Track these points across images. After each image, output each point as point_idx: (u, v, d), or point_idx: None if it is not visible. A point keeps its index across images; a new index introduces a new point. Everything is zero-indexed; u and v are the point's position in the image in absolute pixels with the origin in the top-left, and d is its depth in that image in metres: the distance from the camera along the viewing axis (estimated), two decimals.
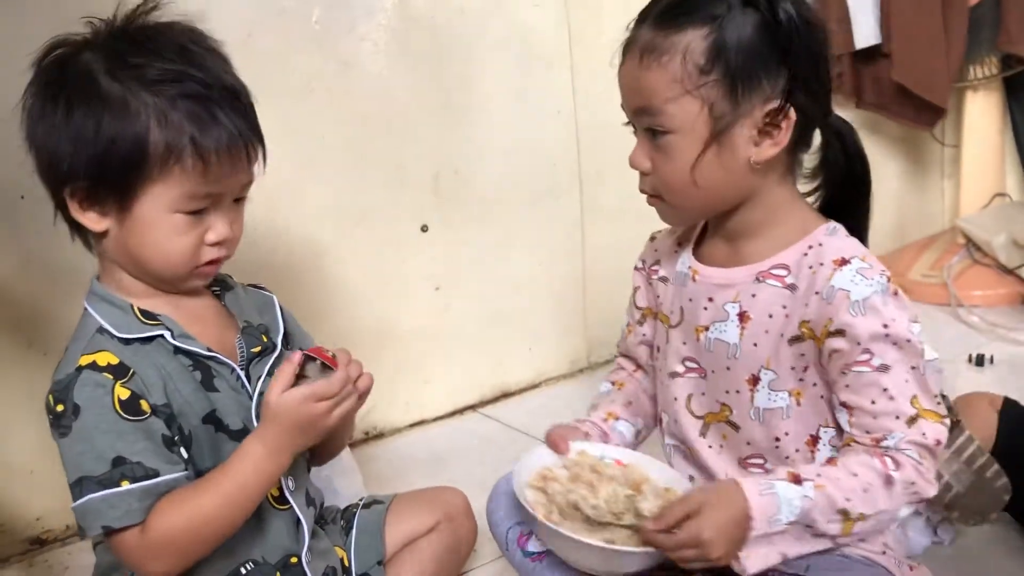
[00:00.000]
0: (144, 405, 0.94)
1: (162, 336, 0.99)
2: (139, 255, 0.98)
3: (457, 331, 1.98)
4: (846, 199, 1.06)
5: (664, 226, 1.16)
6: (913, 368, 0.96)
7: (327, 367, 0.99)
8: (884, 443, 0.96)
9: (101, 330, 0.98)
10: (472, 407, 2.03)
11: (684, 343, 1.10)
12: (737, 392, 1.05)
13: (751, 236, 1.04)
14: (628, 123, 1.06)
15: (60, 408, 0.93)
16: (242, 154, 0.98)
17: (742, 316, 1.03)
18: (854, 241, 1.01)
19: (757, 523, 0.91)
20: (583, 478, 1.08)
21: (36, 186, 1.45)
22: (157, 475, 0.92)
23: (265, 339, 1.09)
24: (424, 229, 1.89)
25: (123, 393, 0.93)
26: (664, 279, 1.15)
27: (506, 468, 1.17)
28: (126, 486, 0.91)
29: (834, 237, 1.01)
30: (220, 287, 1.11)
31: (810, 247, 1.00)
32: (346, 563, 1.13)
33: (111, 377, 0.94)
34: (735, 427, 1.06)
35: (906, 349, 0.95)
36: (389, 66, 1.81)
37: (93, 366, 0.94)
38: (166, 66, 0.94)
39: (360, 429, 1.89)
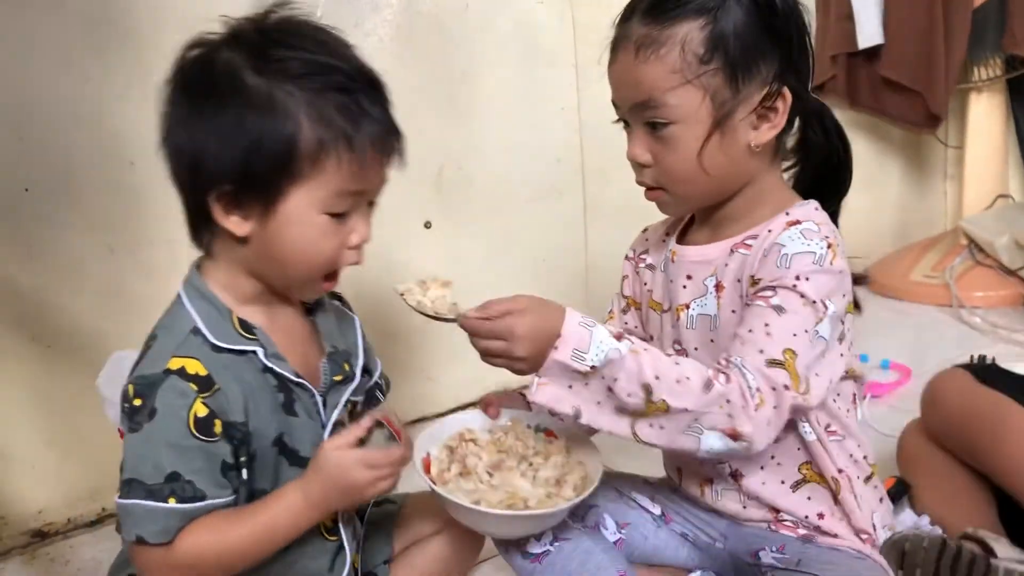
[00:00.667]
0: (217, 426, 0.92)
1: (254, 352, 0.97)
2: (281, 258, 0.95)
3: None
4: (826, 177, 1.08)
5: (661, 218, 1.16)
6: (807, 332, 0.94)
7: (391, 438, 0.98)
8: (730, 362, 0.94)
9: (196, 331, 0.95)
10: (475, 404, 1.99)
11: (672, 327, 1.11)
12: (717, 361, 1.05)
13: (736, 218, 1.05)
14: (620, 120, 1.07)
15: (138, 403, 0.91)
16: (391, 147, 0.96)
17: (718, 287, 1.04)
18: (820, 214, 1.02)
19: (562, 345, 0.91)
20: (503, 444, 1.10)
21: (39, 179, 1.48)
22: (204, 499, 0.91)
23: (347, 367, 1.07)
24: (427, 226, 1.90)
25: (201, 410, 0.91)
26: (651, 266, 1.17)
27: None
28: (172, 504, 0.89)
29: (802, 208, 1.02)
30: (314, 304, 1.09)
31: (776, 217, 1.02)
32: (356, 564, 1.13)
33: (195, 389, 0.91)
34: None
35: (810, 310, 0.94)
36: (393, 62, 1.81)
37: (182, 373, 0.91)
38: (310, 57, 0.91)
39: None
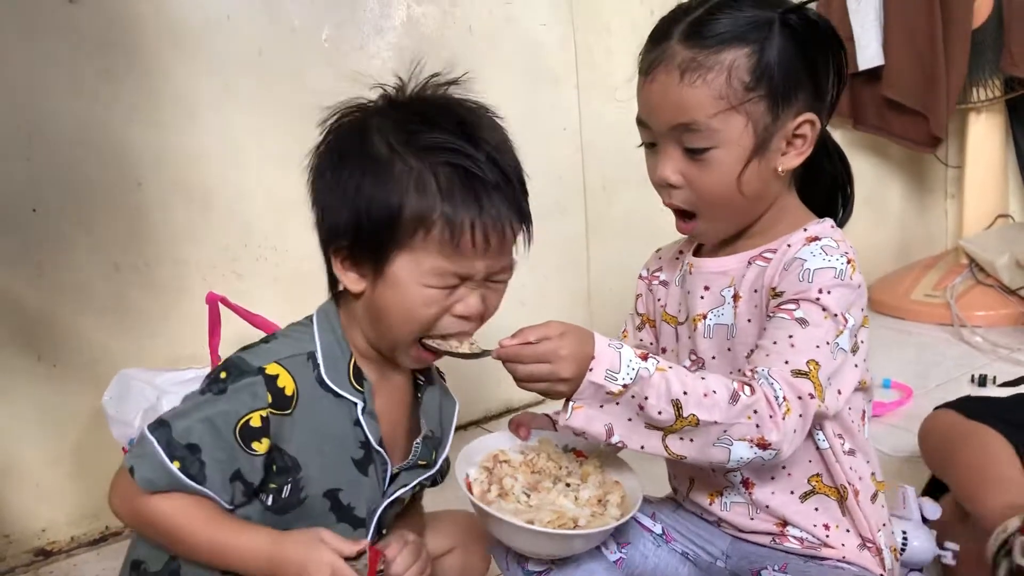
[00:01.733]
0: (263, 444, 0.93)
1: (355, 403, 0.98)
2: (384, 315, 0.96)
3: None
4: (828, 201, 1.09)
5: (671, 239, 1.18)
6: (828, 343, 0.95)
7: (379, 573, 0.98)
8: (756, 373, 0.94)
9: (310, 356, 0.97)
10: (476, 423, 2.04)
11: (689, 337, 1.12)
12: (740, 371, 1.05)
13: (754, 235, 1.07)
14: (644, 143, 1.06)
15: (223, 376, 0.94)
16: (501, 239, 0.93)
17: (735, 297, 1.05)
18: (837, 231, 1.04)
19: (596, 366, 0.92)
20: (536, 465, 1.11)
21: (48, 199, 1.49)
22: (202, 484, 0.92)
23: (434, 455, 1.09)
24: None
25: (255, 421, 0.92)
26: (665, 283, 1.17)
27: None
28: (174, 466, 0.91)
29: (820, 225, 1.04)
30: (425, 379, 1.09)
31: (794, 233, 1.03)
32: None
33: (269, 400, 0.93)
34: None
35: (831, 323, 0.96)
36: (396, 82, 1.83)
37: (272, 380, 0.93)
38: (440, 135, 0.92)
39: None
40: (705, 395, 0.92)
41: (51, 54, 1.48)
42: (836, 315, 0.95)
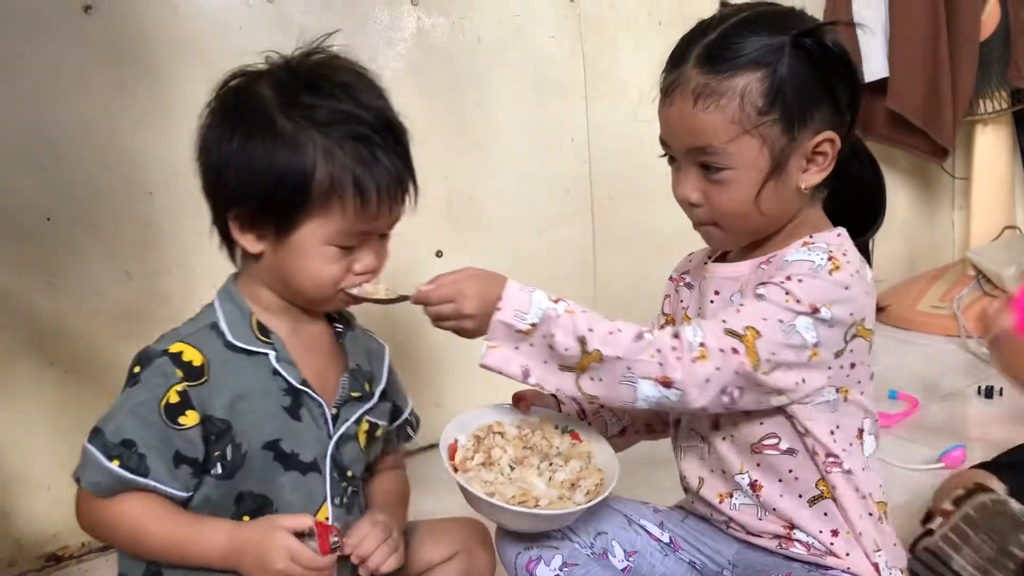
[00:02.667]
0: (189, 416, 0.97)
1: (267, 355, 1.03)
2: (289, 279, 1.02)
3: (470, 355, 1.92)
4: (860, 209, 1.10)
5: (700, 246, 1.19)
6: (781, 321, 0.96)
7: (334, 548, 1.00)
8: (692, 321, 0.99)
9: (213, 326, 1.02)
10: None
11: None
12: None
13: (772, 243, 1.08)
14: (666, 155, 1.08)
15: (136, 370, 0.99)
16: (398, 194, 1.02)
17: None
18: (837, 238, 1.04)
19: (505, 306, 0.97)
20: (529, 440, 1.14)
21: (62, 207, 1.51)
22: (146, 475, 0.96)
23: (367, 387, 1.13)
24: (439, 255, 1.92)
25: (173, 397, 0.96)
26: (689, 285, 1.19)
27: None
28: (114, 465, 0.95)
29: (824, 234, 1.05)
30: (343, 324, 1.14)
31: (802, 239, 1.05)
32: None
33: (180, 375, 0.97)
34: (746, 412, 1.06)
35: (791, 305, 0.96)
36: (406, 95, 1.78)
37: (176, 357, 0.98)
38: (335, 106, 0.98)
39: None
40: (610, 332, 0.96)
41: (65, 64, 1.49)
42: (799, 300, 0.96)
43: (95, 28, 1.51)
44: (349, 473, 1.10)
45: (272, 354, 1.03)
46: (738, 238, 1.09)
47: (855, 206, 1.10)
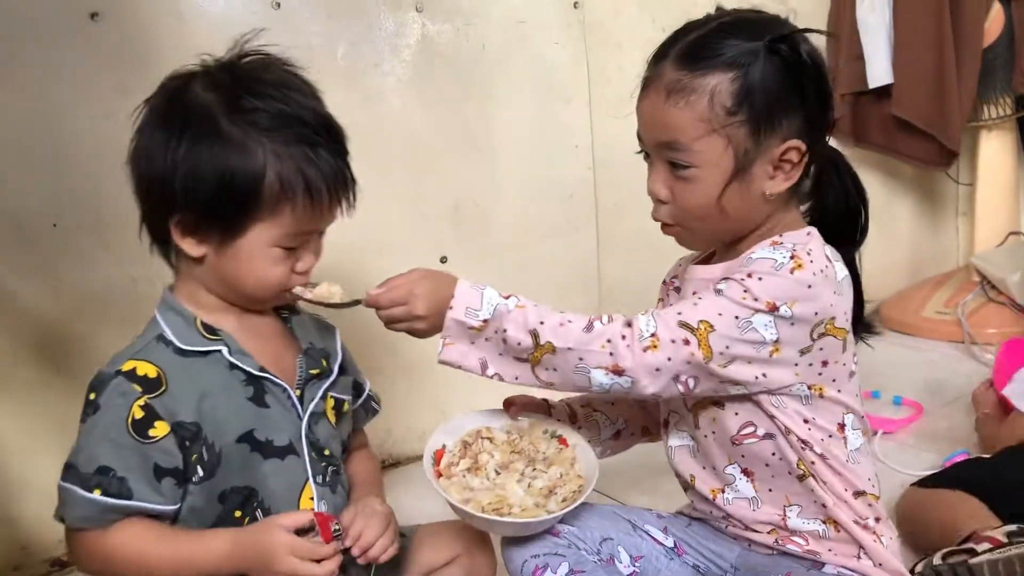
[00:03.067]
0: (158, 428, 0.97)
1: (220, 351, 1.03)
2: (234, 281, 1.04)
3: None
4: (842, 224, 1.10)
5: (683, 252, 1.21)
6: (736, 317, 0.97)
7: (336, 536, 1.03)
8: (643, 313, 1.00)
9: (160, 338, 1.02)
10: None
11: None
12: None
13: (743, 247, 1.08)
14: (642, 151, 1.10)
15: (92, 397, 0.99)
16: (342, 193, 1.04)
17: None
18: (805, 238, 1.04)
19: (456, 304, 1.00)
20: (517, 445, 1.16)
21: (68, 215, 1.51)
22: (130, 497, 0.96)
23: (324, 363, 1.14)
24: (443, 260, 1.92)
25: (138, 412, 0.96)
26: (677, 288, 1.21)
27: None
28: (96, 495, 0.95)
29: (795, 233, 1.05)
30: (288, 311, 1.16)
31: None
32: None
33: (139, 390, 0.97)
34: (720, 405, 1.08)
35: (748, 302, 0.97)
36: (411, 101, 1.85)
37: (131, 374, 0.98)
38: (277, 108, 0.99)
39: (379, 458, 1.89)
40: (561, 324, 0.98)
41: (71, 70, 1.50)
42: (757, 298, 0.97)
43: (101, 35, 1.52)
44: (326, 452, 1.11)
45: (224, 349, 1.04)
46: (703, 239, 1.11)
47: (838, 220, 1.11)
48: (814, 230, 1.07)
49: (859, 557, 1.07)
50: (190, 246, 1.01)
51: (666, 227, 1.10)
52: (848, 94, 2.45)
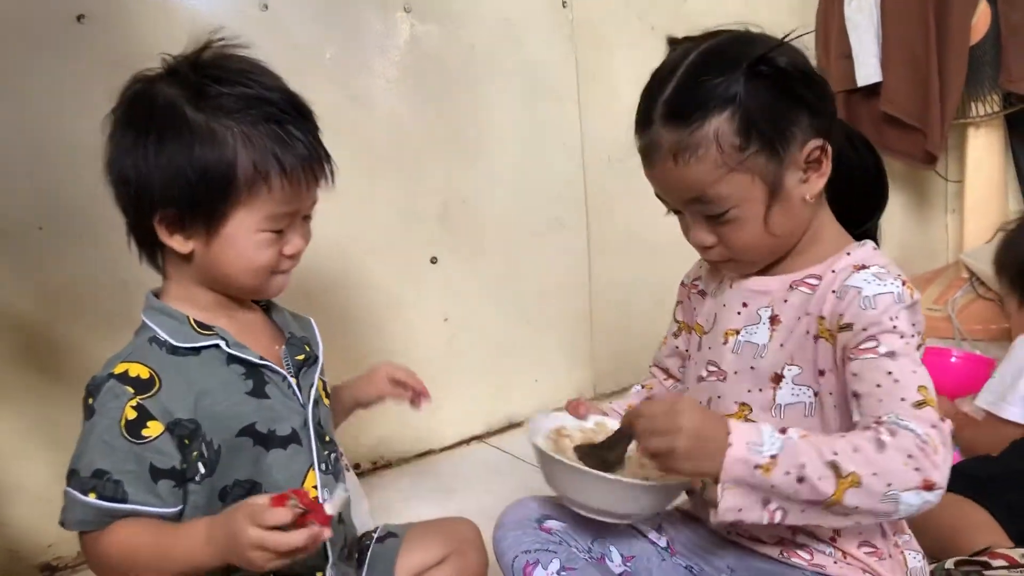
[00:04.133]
0: (151, 428, 0.96)
1: (217, 346, 1.03)
2: (225, 272, 1.03)
3: (465, 362, 2.00)
4: (864, 194, 1.10)
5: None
6: (920, 364, 0.95)
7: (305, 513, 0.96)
8: (884, 421, 0.92)
9: (153, 340, 1.02)
10: (479, 437, 2.05)
11: (710, 347, 1.13)
12: (760, 390, 1.06)
13: (794, 255, 1.08)
14: (670, 211, 1.08)
15: (89, 401, 0.99)
16: (318, 170, 1.03)
17: (773, 319, 1.07)
18: (879, 254, 1.05)
19: (735, 439, 0.90)
20: (594, 441, 1.13)
21: (53, 217, 1.50)
22: (125, 501, 0.95)
23: (308, 348, 1.13)
24: (433, 261, 1.91)
25: (131, 414, 0.96)
26: (702, 292, 1.19)
27: (512, 497, 1.19)
28: (91, 498, 0.95)
29: (861, 250, 1.05)
30: (267, 306, 1.16)
31: (838, 259, 1.04)
32: None
33: (131, 391, 0.96)
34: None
35: (912, 345, 0.96)
36: (400, 101, 1.85)
37: (123, 376, 0.97)
38: (242, 92, 0.99)
39: (368, 459, 1.90)
40: (855, 450, 0.89)
41: (57, 72, 1.49)
42: (913, 335, 0.96)
43: (88, 37, 1.51)
44: (327, 438, 1.11)
45: (222, 343, 1.03)
46: (760, 264, 1.09)
47: (858, 192, 1.10)
48: (870, 243, 1.06)
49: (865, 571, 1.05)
50: (178, 243, 1.01)
51: (720, 263, 1.10)
52: (838, 92, 2.45)
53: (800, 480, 0.89)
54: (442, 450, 1.99)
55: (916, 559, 1.08)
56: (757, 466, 0.89)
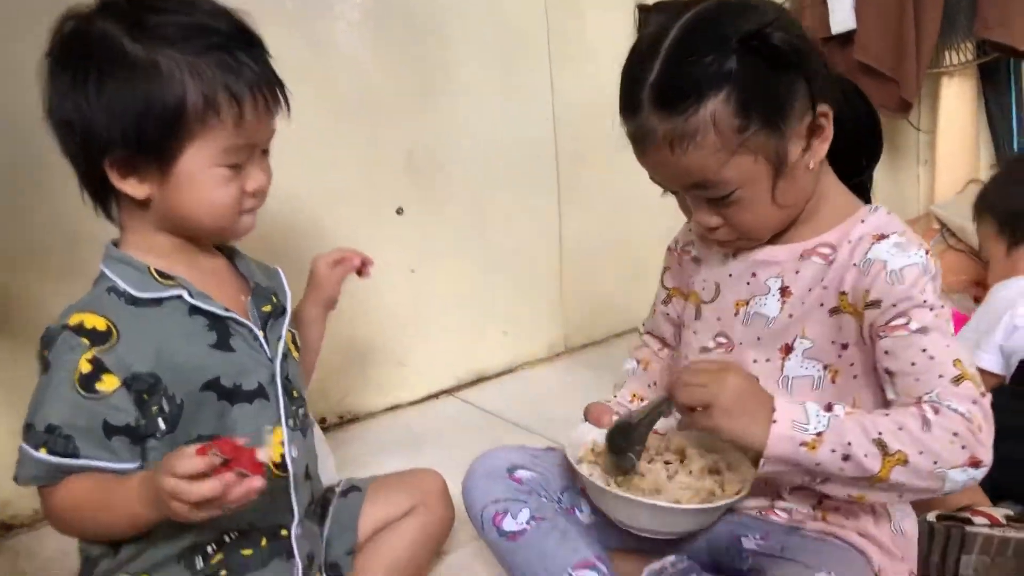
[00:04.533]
0: (106, 382, 0.92)
1: (179, 297, 0.99)
2: (186, 212, 0.98)
3: (432, 314, 1.97)
4: (859, 144, 1.08)
5: None
6: (951, 335, 0.95)
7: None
8: (926, 400, 0.92)
9: (111, 290, 0.97)
10: (448, 391, 2.03)
11: (718, 318, 1.10)
12: (767, 361, 1.05)
13: (801, 222, 1.05)
14: (669, 191, 1.05)
15: (44, 354, 0.95)
16: (271, 98, 0.98)
17: (784, 291, 1.04)
18: (894, 218, 1.02)
19: (780, 416, 0.91)
20: None
21: (1, 174, 1.43)
22: (76, 456, 0.92)
23: (275, 299, 1.10)
24: (399, 211, 1.87)
25: (85, 367, 0.92)
26: (696, 259, 1.16)
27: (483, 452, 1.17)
28: (41, 453, 0.92)
29: (875, 215, 1.02)
30: (231, 253, 1.12)
31: (852, 226, 1.01)
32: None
33: (87, 343, 0.93)
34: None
35: (941, 315, 0.95)
36: (363, 46, 1.79)
37: (78, 327, 0.93)
38: (185, 20, 0.93)
39: (335, 413, 1.87)
40: (900, 428, 0.90)
41: (16, 34, 1.42)
42: (942, 306, 0.95)
43: None
44: (295, 393, 1.08)
45: (183, 293, 0.99)
46: (767, 235, 1.06)
47: (851, 144, 1.06)
48: (882, 208, 1.04)
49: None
50: (132, 187, 0.96)
51: (727, 243, 1.06)
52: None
53: (846, 458, 0.90)
54: (410, 404, 1.96)
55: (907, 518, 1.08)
56: (802, 443, 0.91)
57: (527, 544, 1.07)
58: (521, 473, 1.13)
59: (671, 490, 1.06)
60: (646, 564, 1.11)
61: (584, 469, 1.09)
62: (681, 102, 0.92)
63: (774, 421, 0.91)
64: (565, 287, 2.18)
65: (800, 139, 0.97)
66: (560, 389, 2.00)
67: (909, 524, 1.07)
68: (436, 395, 2.01)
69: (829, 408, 0.94)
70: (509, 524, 1.09)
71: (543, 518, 1.09)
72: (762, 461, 0.93)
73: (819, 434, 0.91)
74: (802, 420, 0.91)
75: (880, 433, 0.90)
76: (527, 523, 1.08)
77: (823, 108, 0.97)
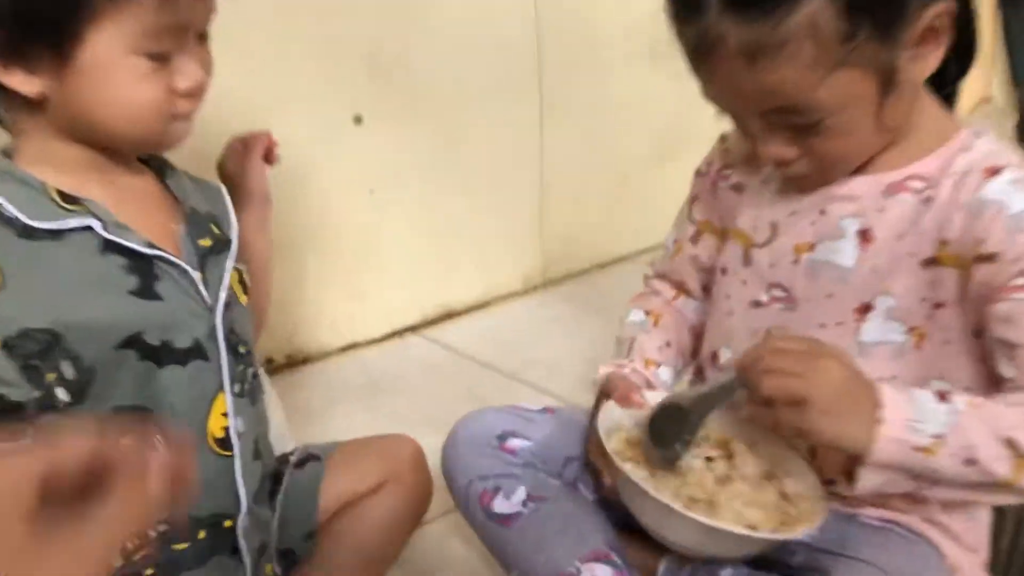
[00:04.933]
0: None
1: (89, 228, 0.82)
2: (95, 117, 0.82)
3: (395, 241, 1.87)
4: (956, 47, 0.88)
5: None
6: None
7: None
8: None
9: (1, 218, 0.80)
10: (413, 328, 1.94)
11: (772, 265, 0.95)
12: (838, 324, 0.90)
13: (894, 151, 0.88)
14: (728, 114, 0.88)
15: None
16: None
17: (863, 234, 0.88)
18: (1006, 147, 0.87)
19: (890, 414, 0.77)
20: None
21: None
22: None
23: (215, 230, 0.93)
24: (358, 120, 1.73)
25: None
26: (739, 187, 0.99)
27: (454, 400, 1.11)
28: None
29: (982, 141, 0.86)
30: (159, 162, 0.95)
31: (954, 156, 0.85)
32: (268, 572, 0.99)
33: None
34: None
35: None
36: None
37: None
38: None
39: (282, 352, 1.76)
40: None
41: None
42: None
43: None
44: (242, 349, 0.92)
45: (95, 224, 0.81)
46: (847, 171, 0.90)
47: (959, 47, 0.88)
48: (984, 130, 0.87)
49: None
50: (20, 82, 0.79)
51: (799, 179, 0.90)
52: None
53: (969, 462, 0.78)
54: (369, 343, 1.86)
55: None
56: (917, 448, 0.78)
57: (523, 530, 0.96)
58: (514, 442, 1.01)
59: (728, 504, 0.88)
60: (661, 550, 0.96)
61: (629, 469, 0.91)
62: (767, 4, 0.77)
63: (881, 420, 0.78)
64: (545, 211, 2.10)
65: (912, 46, 0.81)
66: (537, 326, 1.93)
67: (983, 509, 0.95)
68: (399, 333, 1.92)
69: (943, 397, 0.80)
70: (501, 505, 0.97)
71: (543, 498, 0.97)
72: (862, 471, 0.79)
73: (939, 436, 0.78)
74: (916, 418, 0.78)
75: (1011, 428, 0.78)
76: (523, 504, 0.97)
77: (940, 7, 0.79)
